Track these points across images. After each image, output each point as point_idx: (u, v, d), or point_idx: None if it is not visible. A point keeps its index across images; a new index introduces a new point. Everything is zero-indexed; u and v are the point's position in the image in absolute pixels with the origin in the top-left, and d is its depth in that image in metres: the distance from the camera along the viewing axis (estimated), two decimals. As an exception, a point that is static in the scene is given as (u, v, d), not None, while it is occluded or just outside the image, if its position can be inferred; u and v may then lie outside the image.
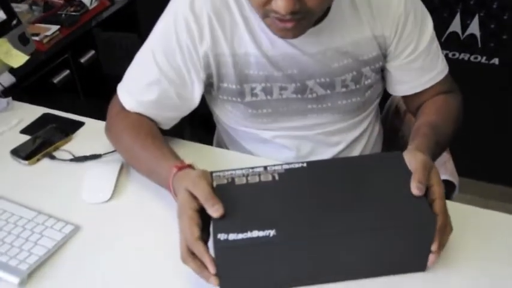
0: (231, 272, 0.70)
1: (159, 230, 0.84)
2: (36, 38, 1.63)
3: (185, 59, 0.91)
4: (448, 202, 0.76)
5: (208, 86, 0.97)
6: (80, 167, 0.99)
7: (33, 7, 1.80)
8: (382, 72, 1.01)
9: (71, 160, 1.01)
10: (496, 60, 1.69)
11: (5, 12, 1.07)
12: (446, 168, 1.03)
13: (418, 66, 0.97)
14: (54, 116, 1.16)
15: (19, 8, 1.77)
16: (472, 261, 0.78)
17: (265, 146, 1.04)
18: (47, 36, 1.67)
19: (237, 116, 1.01)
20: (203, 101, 1.01)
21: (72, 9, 1.84)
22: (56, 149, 1.04)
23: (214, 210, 0.70)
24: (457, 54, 1.72)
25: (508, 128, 1.82)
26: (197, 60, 0.92)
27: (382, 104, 1.18)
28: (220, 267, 0.68)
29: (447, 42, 1.69)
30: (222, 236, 0.67)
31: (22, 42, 1.12)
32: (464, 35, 1.67)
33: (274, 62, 0.92)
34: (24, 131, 1.10)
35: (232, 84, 0.94)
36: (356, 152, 1.08)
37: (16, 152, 1.02)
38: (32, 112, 1.16)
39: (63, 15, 1.81)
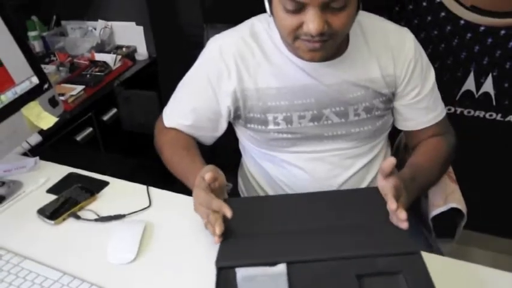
0: None
1: (183, 292, 0.85)
2: (62, 98, 1.69)
3: (215, 94, 1.08)
4: (470, 265, 0.83)
5: (237, 117, 1.13)
6: (105, 226, 1.01)
7: (60, 68, 1.88)
8: (392, 108, 1.13)
9: (96, 220, 1.03)
10: (511, 118, 1.70)
11: (38, 77, 1.13)
12: (454, 198, 1.11)
13: (424, 106, 1.11)
14: (79, 175, 1.19)
15: (47, 69, 1.85)
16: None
17: (283, 168, 1.16)
18: (72, 95, 1.74)
19: (258, 140, 1.14)
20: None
21: (97, 69, 1.92)
22: (81, 208, 1.06)
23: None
24: (472, 112, 1.74)
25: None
26: (226, 97, 1.08)
27: (391, 142, 1.28)
28: None
29: (462, 100, 1.71)
30: None
31: (52, 104, 1.17)
32: (479, 93, 1.69)
33: (294, 92, 1.05)
34: (50, 191, 1.13)
35: (257, 113, 1.09)
36: (371, 173, 1.18)
37: (42, 212, 1.05)
38: (57, 171, 1.20)
39: (88, 75, 1.88)
